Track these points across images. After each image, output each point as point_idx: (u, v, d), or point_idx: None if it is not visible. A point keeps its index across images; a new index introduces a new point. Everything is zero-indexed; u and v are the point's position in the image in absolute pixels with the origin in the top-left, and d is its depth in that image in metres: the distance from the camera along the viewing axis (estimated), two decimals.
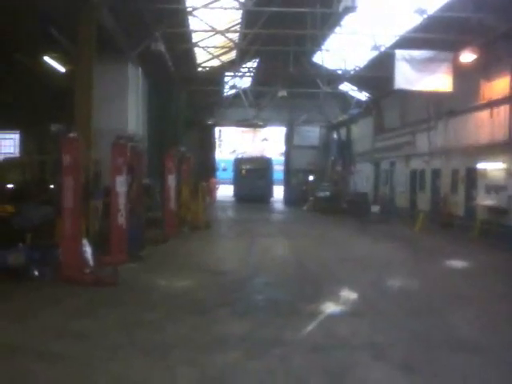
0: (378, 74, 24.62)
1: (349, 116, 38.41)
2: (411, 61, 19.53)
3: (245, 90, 37.84)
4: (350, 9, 14.75)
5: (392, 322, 8.04)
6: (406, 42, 20.26)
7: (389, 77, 21.71)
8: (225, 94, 38.81)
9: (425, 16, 17.69)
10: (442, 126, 23.22)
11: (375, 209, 25.57)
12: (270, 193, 41.03)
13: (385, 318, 8.27)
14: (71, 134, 11.03)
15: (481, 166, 19.53)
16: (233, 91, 38.64)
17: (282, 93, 28.99)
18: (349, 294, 10.25)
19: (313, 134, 44.21)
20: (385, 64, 22.42)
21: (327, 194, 31.15)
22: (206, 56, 26.23)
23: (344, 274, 12.05)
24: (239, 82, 33.75)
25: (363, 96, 34.69)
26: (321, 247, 16.26)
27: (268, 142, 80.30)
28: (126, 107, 19.37)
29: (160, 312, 8.30)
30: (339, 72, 25.57)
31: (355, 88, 32.96)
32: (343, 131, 39.84)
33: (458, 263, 14.48)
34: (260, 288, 10.51)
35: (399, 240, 18.45)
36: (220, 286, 10.42)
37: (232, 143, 74.44)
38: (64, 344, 6.71)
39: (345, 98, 38.76)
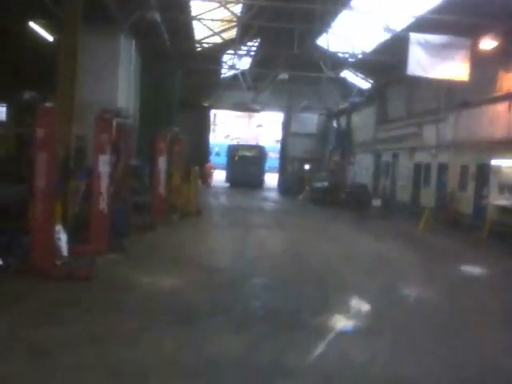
0: (386, 59, 23.23)
1: (350, 104, 37.01)
2: (426, 45, 18.13)
3: (243, 72, 36.35)
4: None
5: (417, 346, 6.71)
6: (421, 25, 18.79)
7: (398, 63, 20.45)
8: (222, 75, 37.28)
9: None
10: (452, 118, 21.87)
11: (376, 202, 24.23)
12: (262, 180, 40.49)
13: (407, 340, 6.94)
14: (47, 104, 9.58)
15: (495, 162, 18.23)
16: (231, 73, 37.15)
17: (283, 75, 27.54)
18: (359, 304, 8.92)
19: (311, 121, 42.93)
20: (395, 49, 21.05)
21: (325, 184, 29.79)
22: (204, 32, 24.68)
23: (350, 277, 10.72)
24: (238, 62, 32.11)
25: (366, 84, 33.29)
26: (322, 243, 14.91)
27: (263, 128, 79.02)
28: (117, 81, 17.87)
29: (139, 319, 6.91)
30: (345, 56, 24.02)
31: (359, 74, 31.45)
32: (343, 120, 38.45)
33: (473, 268, 13.23)
34: (258, 291, 9.16)
35: (404, 238, 17.14)
36: (212, 287, 9.05)
37: (226, 127, 72.86)
38: (9, 364, 5.30)
39: (346, 85, 37.35)
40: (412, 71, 18.44)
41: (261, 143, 69.50)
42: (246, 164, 38.81)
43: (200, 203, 21.08)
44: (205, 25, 22.55)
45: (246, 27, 22.75)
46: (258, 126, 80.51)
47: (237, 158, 40.23)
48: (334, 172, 34.22)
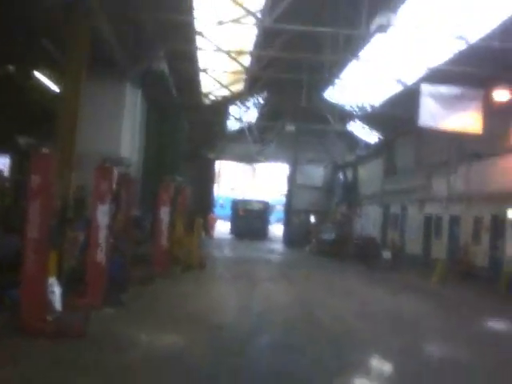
0: (396, 112, 22.96)
1: (356, 156, 36.74)
2: (438, 97, 17.86)
3: (249, 126, 36.28)
4: (383, 28, 12.97)
5: None
6: (433, 77, 18.53)
7: (408, 115, 20.13)
8: (228, 127, 37.16)
9: (463, 44, 15.96)
10: (463, 170, 21.37)
11: (385, 254, 23.46)
12: (265, 232, 41.80)
13: None
14: (43, 150, 9.07)
15: (511, 213, 17.60)
16: (236, 126, 37.06)
17: (290, 127, 27.22)
18: (383, 368, 8.07)
19: (316, 173, 42.52)
20: (405, 101, 20.83)
21: (332, 236, 29.07)
22: (212, 85, 24.57)
23: (368, 336, 9.87)
24: (244, 115, 32.01)
25: (373, 137, 33.10)
26: (332, 297, 14.11)
27: (267, 181, 78.93)
28: (120, 130, 17.44)
29: None
30: (354, 109, 23.83)
31: (366, 127, 31.25)
32: (349, 172, 38.03)
33: (499, 325, 12.34)
34: (266, 352, 8.35)
35: (419, 292, 16.34)
36: (215, 347, 8.25)
37: (231, 180, 72.70)
38: None
39: (352, 138, 37.19)
40: (423, 123, 18.09)
41: (265, 196, 69.76)
42: (250, 218, 39.94)
43: (203, 255, 20.36)
44: (212, 77, 22.39)
45: (254, 79, 22.60)
46: (261, 179, 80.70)
47: (241, 212, 41.01)
48: (341, 224, 33.54)
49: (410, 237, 26.50)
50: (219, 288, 14.80)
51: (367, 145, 35.08)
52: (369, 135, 33.66)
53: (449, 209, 22.72)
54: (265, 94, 24.01)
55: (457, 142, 21.89)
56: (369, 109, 24.39)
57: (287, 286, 15.65)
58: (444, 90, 17.93)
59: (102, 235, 10.84)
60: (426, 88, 17.94)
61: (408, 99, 20.17)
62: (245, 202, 44.48)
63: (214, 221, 38.62)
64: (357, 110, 23.92)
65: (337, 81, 23.22)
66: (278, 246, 34.91)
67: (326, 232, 30.40)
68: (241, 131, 36.84)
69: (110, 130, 17.06)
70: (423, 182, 25.28)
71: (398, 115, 23.92)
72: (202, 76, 22.64)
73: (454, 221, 22.18)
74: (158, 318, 10.12)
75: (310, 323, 10.77)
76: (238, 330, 9.48)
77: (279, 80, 23.83)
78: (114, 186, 11.39)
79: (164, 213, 16.53)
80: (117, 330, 8.86)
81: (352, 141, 37.81)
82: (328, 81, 22.80)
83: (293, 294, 14.21)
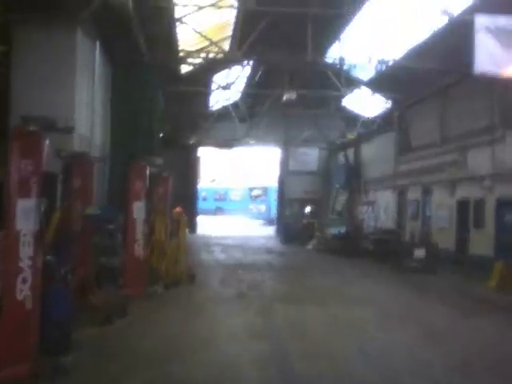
0: (422, 63, 18.23)
1: (358, 134, 32.09)
2: (498, 32, 13.22)
3: (235, 102, 31.44)
4: None
5: None
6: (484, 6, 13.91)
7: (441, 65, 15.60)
8: (212, 105, 32.23)
9: None
10: None
11: (418, 253, 18.79)
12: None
13: None
14: None
15: None
16: (221, 104, 32.18)
17: (290, 95, 22.26)
18: None
19: (311, 157, 37.90)
20: (437, 47, 16.41)
21: (342, 230, 24.41)
22: (192, 44, 19.63)
23: None
24: (232, 86, 27.07)
25: (379, 108, 28.49)
26: (388, 322, 9.48)
27: (249, 169, 73.86)
28: (73, 93, 12.51)
29: None
30: (370, 61, 18.89)
31: (376, 94, 26.52)
32: (350, 153, 33.33)
33: None
34: None
35: (484, 305, 11.92)
36: None
37: (211, 170, 67.53)
38: None
39: (350, 116, 32.63)
40: (481, 69, 13.38)
41: (248, 186, 64.87)
42: None
43: (192, 264, 15.61)
44: (192, 29, 17.37)
45: (245, 33, 17.64)
46: (244, 167, 75.64)
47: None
48: (351, 215, 28.95)
49: (436, 228, 21.92)
50: (220, 320, 9.92)
51: (371, 120, 30.51)
52: (373, 107, 29.05)
53: (495, 190, 18.19)
54: (257, 52, 18.98)
55: (502, 100, 17.47)
56: (384, 65, 19.48)
57: (313, 310, 10.87)
58: (504, 21, 13.35)
59: (26, 252, 6.04)
60: (481, 21, 13.29)
61: (443, 43, 15.83)
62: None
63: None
64: (378, 63, 18.89)
65: (349, 31, 18.46)
66: (273, 243, 30.08)
67: (334, 225, 25.78)
68: (225, 110, 31.97)
69: (59, 93, 12.13)
70: (454, 158, 20.71)
71: (422, 71, 19.26)
72: (180, 30, 17.70)
73: (504, 205, 17.65)
74: None
75: None
76: None
77: (277, 31, 18.97)
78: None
79: (138, 210, 11.71)
80: None
81: (350, 119, 33.27)
82: (344, 19, 17.92)
83: (333, 328, 9.46)
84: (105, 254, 11.88)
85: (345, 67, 20.13)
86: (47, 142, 6.67)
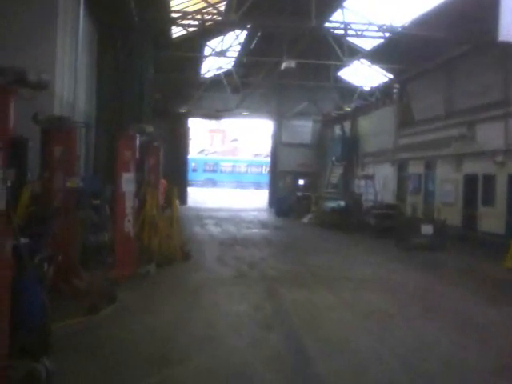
0: (430, 30, 17.08)
1: (355, 106, 30.92)
2: None
3: (228, 71, 29.98)
4: None
5: None
6: None
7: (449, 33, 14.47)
8: (204, 73, 30.78)
9: None
10: None
11: (426, 230, 17.80)
12: None
13: None
14: None
15: None
16: (213, 73, 30.74)
17: (289, 63, 20.93)
18: None
19: (305, 129, 36.70)
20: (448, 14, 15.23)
21: (341, 204, 23.36)
22: (185, 2, 18.19)
23: None
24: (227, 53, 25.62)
25: (378, 79, 27.29)
26: (412, 320, 8.43)
27: (239, 142, 72.57)
28: (54, 54, 11.19)
29: None
30: (384, 27, 17.62)
31: (375, 65, 25.31)
32: (347, 125, 32.16)
33: None
34: None
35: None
36: None
37: (200, 141, 66.11)
38: None
39: (345, 88, 31.41)
40: (506, 36, 12.29)
41: (238, 157, 63.70)
42: None
43: (186, 239, 14.50)
44: None
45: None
46: (234, 140, 74.25)
47: None
48: (348, 189, 27.90)
49: (441, 204, 20.90)
50: (223, 307, 8.81)
51: (369, 93, 29.34)
52: (371, 79, 27.84)
53: (506, 165, 17.19)
54: (256, 16, 17.55)
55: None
56: (390, 33, 18.22)
57: (329, 297, 9.80)
58: None
59: None
60: None
61: (453, 11, 14.72)
62: None
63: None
64: (384, 29, 17.63)
65: None
66: (267, 216, 29.13)
67: (332, 199, 24.72)
68: (218, 79, 30.53)
69: (37, 48, 10.80)
70: (461, 132, 19.67)
71: (426, 42, 18.11)
72: None
73: None
74: None
75: None
76: None
77: None
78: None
79: (127, 182, 10.50)
80: None
81: (346, 91, 32.05)
82: None
83: (352, 321, 8.39)
84: (91, 230, 10.78)
85: (349, 32, 18.72)
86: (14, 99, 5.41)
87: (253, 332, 7.33)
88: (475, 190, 18.86)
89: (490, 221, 17.76)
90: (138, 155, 10.93)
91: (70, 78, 12.43)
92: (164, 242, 12.33)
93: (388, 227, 19.37)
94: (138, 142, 11.05)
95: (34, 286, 5.04)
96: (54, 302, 6.69)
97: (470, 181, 19.20)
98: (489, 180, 18.09)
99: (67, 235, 8.66)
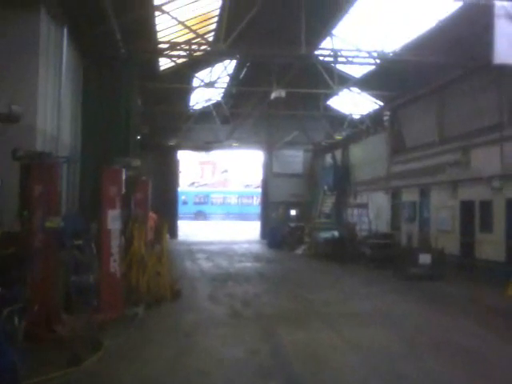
0: (424, 54, 16.90)
1: (346, 134, 30.69)
2: None
3: (217, 103, 29.70)
4: None
5: None
6: None
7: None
8: (192, 106, 30.50)
9: None
10: None
11: (424, 259, 17.31)
12: None
13: None
14: None
15: None
16: (201, 105, 30.47)
17: (279, 92, 20.62)
18: None
19: (296, 159, 36.42)
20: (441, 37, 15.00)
21: (335, 234, 22.86)
22: (173, 34, 17.91)
23: None
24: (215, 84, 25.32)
25: (368, 107, 27.10)
26: (421, 361, 7.84)
27: (229, 173, 72.26)
28: (36, 85, 10.74)
29: None
30: (374, 53, 17.38)
31: (365, 93, 25.14)
32: (338, 154, 31.87)
33: None
34: None
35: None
36: None
37: (190, 174, 65.74)
38: None
39: (335, 117, 31.24)
40: (501, 58, 12.01)
41: (228, 189, 63.25)
42: None
43: (176, 277, 13.88)
44: (172, 18, 15.61)
45: (230, 25, 15.94)
46: (224, 171, 73.92)
47: None
48: (341, 218, 27.43)
49: (437, 231, 20.45)
50: (217, 352, 8.18)
51: (359, 121, 29.12)
52: (361, 107, 27.64)
53: (504, 190, 16.81)
54: (244, 46, 17.29)
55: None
56: (381, 60, 18.01)
57: (330, 336, 9.20)
58: None
59: None
60: (500, 5, 11.95)
61: (446, 35, 14.51)
62: None
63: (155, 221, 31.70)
64: (376, 55, 17.41)
65: (343, 23, 16.93)
66: (260, 248, 28.47)
67: (326, 229, 24.21)
68: (206, 111, 30.24)
69: (18, 80, 10.34)
70: (456, 157, 19.34)
71: (417, 67, 17.93)
72: (160, 20, 16.00)
73: None
74: None
75: None
76: None
77: (264, 23, 17.35)
78: None
79: (113, 219, 9.95)
80: None
81: (336, 119, 31.88)
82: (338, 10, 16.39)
83: (359, 365, 7.79)
84: (75, 271, 10.16)
85: (340, 59, 18.47)
86: None
87: (249, 381, 6.72)
88: (472, 217, 18.43)
89: (489, 247, 17.29)
90: (124, 190, 10.44)
91: (53, 110, 11.95)
92: (153, 280, 11.73)
93: (384, 257, 18.92)
94: (123, 177, 10.56)
95: (0, 344, 4.44)
96: (32, 352, 6.15)
97: (467, 207, 18.79)
98: (486, 206, 17.68)
99: (48, 278, 8.07)
